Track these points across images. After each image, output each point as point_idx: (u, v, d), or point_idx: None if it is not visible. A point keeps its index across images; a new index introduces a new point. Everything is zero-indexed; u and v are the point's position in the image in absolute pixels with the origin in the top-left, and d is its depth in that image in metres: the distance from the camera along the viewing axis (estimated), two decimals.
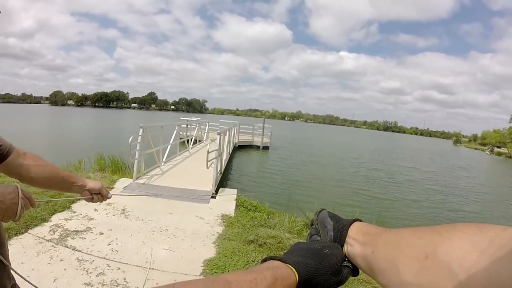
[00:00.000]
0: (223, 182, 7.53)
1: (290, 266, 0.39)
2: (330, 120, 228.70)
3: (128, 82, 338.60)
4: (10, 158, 0.87)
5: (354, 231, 0.46)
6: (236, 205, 4.36)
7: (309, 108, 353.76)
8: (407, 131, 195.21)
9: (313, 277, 0.39)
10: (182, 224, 3.47)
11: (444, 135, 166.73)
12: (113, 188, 4.82)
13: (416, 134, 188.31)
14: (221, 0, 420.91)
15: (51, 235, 3.12)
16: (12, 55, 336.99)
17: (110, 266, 2.57)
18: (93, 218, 3.55)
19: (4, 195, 0.72)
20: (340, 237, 0.47)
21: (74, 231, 3.22)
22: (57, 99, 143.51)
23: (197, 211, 3.96)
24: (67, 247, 2.89)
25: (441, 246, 0.30)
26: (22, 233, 3.08)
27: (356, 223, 0.47)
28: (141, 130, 5.34)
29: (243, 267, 2.55)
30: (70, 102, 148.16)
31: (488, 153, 56.45)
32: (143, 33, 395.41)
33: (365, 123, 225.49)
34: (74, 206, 3.83)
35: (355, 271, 0.44)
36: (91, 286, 2.30)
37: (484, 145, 67.48)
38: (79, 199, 0.95)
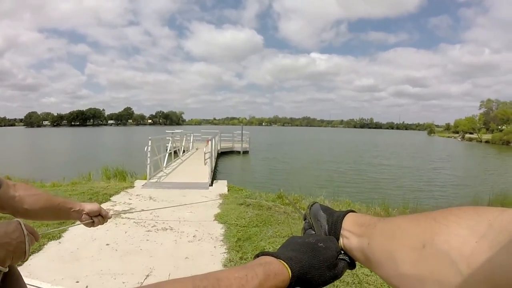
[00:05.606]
0: (213, 178, 9.26)
1: (283, 262, 0.38)
2: (307, 122, 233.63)
3: (102, 98, 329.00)
4: (1, 191, 0.78)
5: (348, 223, 0.44)
6: (228, 189, 6.12)
7: (286, 112, 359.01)
8: (383, 127, 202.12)
9: (307, 272, 0.38)
10: (194, 200, 5.17)
11: (419, 127, 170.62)
12: (133, 187, 6.40)
13: (392, 128, 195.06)
14: (190, 8, 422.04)
15: None
16: None
17: (157, 223, 4.22)
18: (131, 203, 5.16)
19: (8, 235, 0.62)
20: (334, 230, 0.45)
21: (122, 210, 4.82)
22: (32, 120, 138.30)
23: (202, 194, 5.68)
24: (123, 218, 4.50)
25: (437, 233, 0.29)
26: None
27: (350, 214, 0.46)
28: (149, 141, 6.99)
29: (237, 215, 4.31)
30: (45, 122, 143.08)
31: (460, 139, 58.90)
32: (113, 46, 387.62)
33: (341, 122, 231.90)
34: (113, 198, 5.42)
35: (352, 264, 0.43)
36: (151, 231, 3.95)
37: (457, 132, 69.46)
38: (78, 224, 0.97)
